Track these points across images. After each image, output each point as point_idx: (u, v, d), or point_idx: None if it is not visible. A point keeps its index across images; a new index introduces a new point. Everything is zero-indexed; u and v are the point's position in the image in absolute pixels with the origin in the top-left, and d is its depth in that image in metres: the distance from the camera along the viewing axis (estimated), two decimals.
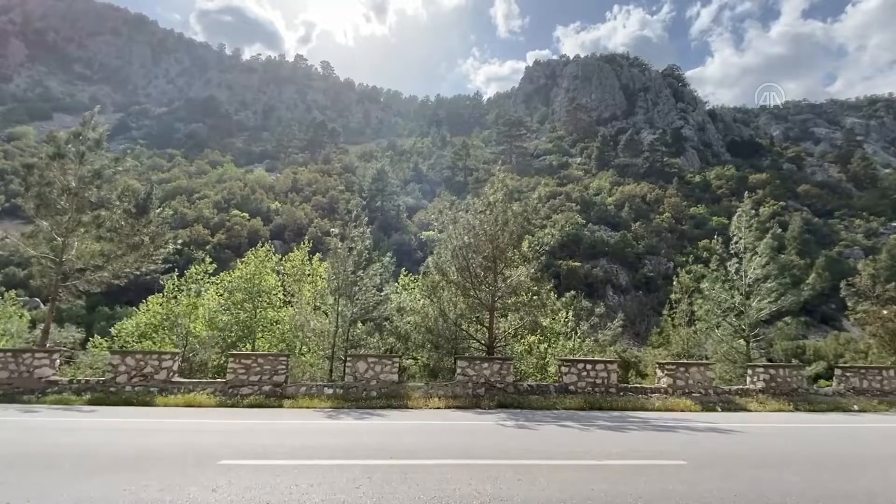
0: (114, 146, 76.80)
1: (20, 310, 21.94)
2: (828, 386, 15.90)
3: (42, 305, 36.09)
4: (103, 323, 31.07)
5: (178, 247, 16.83)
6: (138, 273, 15.13)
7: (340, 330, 15.08)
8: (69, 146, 14.07)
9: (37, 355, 11.80)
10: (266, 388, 11.96)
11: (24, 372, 11.57)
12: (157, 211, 16.04)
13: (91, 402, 10.79)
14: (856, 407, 12.90)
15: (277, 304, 19.59)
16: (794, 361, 25.94)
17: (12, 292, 22.64)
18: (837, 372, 14.59)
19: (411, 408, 11.17)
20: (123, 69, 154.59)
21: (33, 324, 23.70)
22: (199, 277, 19.37)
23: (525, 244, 14.85)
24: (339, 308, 15.09)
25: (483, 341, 14.95)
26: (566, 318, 21.09)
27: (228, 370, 12.14)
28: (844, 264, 57.33)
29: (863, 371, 14.46)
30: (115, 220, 14.58)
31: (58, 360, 12.47)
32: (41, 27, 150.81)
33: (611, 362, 13.60)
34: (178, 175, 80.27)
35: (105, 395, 11.26)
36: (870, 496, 4.77)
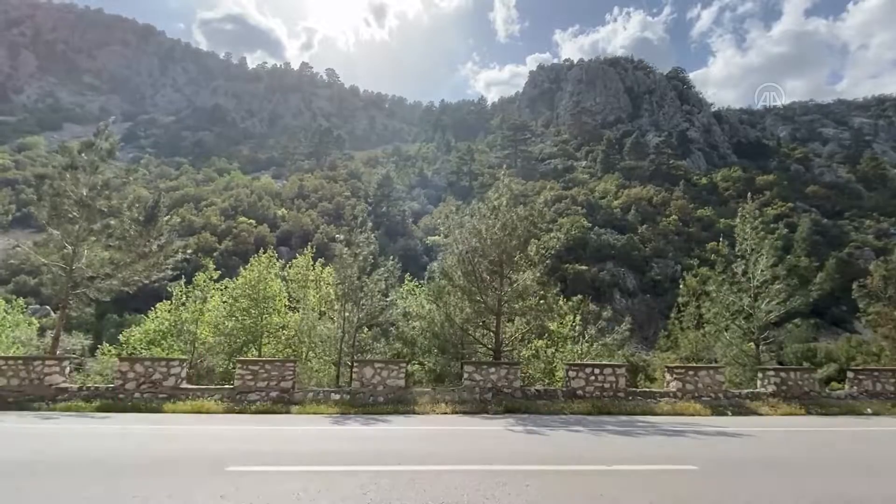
0: (122, 155, 77.65)
1: (28, 317, 22.16)
2: (840, 389, 15.68)
3: (52, 313, 36.47)
4: (112, 330, 31.32)
5: (187, 256, 16.94)
6: (147, 281, 15.25)
7: (347, 335, 15.09)
8: (82, 155, 14.27)
9: (47, 363, 11.90)
10: (273, 394, 11.98)
11: (34, 379, 11.66)
12: (166, 219, 16.16)
13: (100, 409, 10.86)
14: (869, 410, 12.70)
15: (282, 309, 19.65)
16: (806, 364, 25.61)
17: (20, 300, 22.86)
18: (850, 375, 14.39)
19: (418, 413, 11.14)
20: (132, 79, 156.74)
21: (42, 331, 23.93)
22: (205, 285, 19.48)
23: (531, 248, 14.81)
24: (346, 313, 15.11)
25: (490, 346, 14.89)
26: (573, 322, 20.99)
27: (236, 376, 12.18)
28: (855, 266, 56.69)
29: (876, 374, 14.24)
30: (124, 229, 14.72)
31: (68, 368, 12.56)
32: (51, 39, 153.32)
33: (619, 366, 13.49)
34: (186, 183, 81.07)
35: (114, 402, 11.33)
36: (886, 501, 4.69)
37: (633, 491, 4.71)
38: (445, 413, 11.14)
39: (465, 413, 11.21)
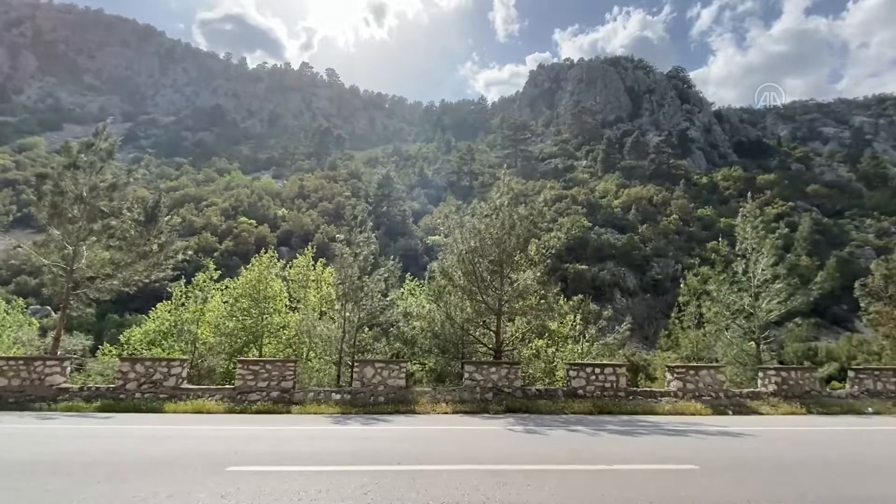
0: (123, 155, 77.55)
1: (29, 318, 22.18)
2: (841, 388, 15.66)
3: (53, 313, 36.50)
4: (113, 330, 31.34)
5: (187, 256, 16.95)
6: (147, 281, 15.25)
7: (347, 335, 15.08)
8: (81, 156, 14.26)
9: (48, 363, 11.91)
10: (274, 394, 11.98)
11: (35, 380, 11.68)
12: (166, 219, 16.17)
13: (101, 410, 10.86)
14: (870, 409, 12.70)
15: (283, 309, 19.66)
16: (806, 363, 25.60)
17: (21, 300, 22.87)
18: (851, 374, 14.38)
19: (419, 413, 11.14)
20: (132, 79, 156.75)
21: (44, 331, 23.94)
22: (205, 285, 19.50)
23: (532, 248, 14.80)
24: (346, 313, 15.11)
25: (490, 345, 14.89)
26: (574, 321, 21.01)
27: (237, 376, 12.19)
28: (856, 265, 56.69)
29: (877, 373, 14.23)
30: (124, 229, 14.72)
31: (69, 368, 12.57)
32: (51, 39, 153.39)
33: (619, 366, 13.49)
34: (186, 183, 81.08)
35: (115, 402, 11.33)
36: (886, 501, 4.68)
37: (634, 490, 4.71)
38: (446, 413, 11.14)
39: (465, 413, 11.21)
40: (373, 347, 16.90)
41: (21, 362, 11.82)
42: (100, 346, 21.04)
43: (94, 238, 14.34)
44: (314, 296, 19.89)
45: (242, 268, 21.60)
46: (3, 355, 13.25)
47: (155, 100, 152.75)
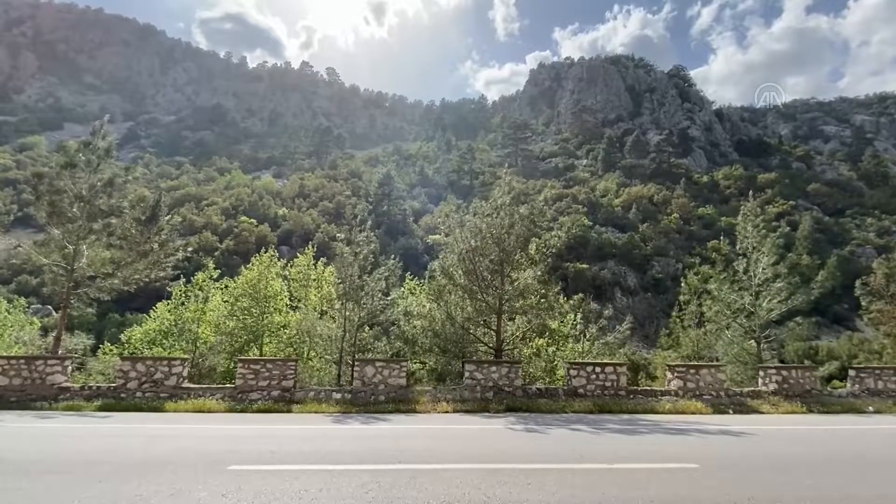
0: (123, 155, 77.68)
1: (30, 317, 22.21)
2: (841, 387, 15.65)
3: (54, 313, 36.53)
4: (114, 330, 31.34)
5: (188, 254, 16.94)
6: (148, 280, 15.26)
7: (348, 334, 15.09)
8: (79, 155, 14.27)
9: (49, 362, 11.92)
10: (275, 393, 11.99)
11: (36, 379, 11.69)
12: (167, 218, 16.17)
13: (101, 409, 10.88)
14: (871, 408, 12.69)
15: (283, 308, 19.67)
16: (807, 362, 25.57)
17: (22, 299, 22.89)
18: (851, 373, 14.37)
19: (419, 412, 11.14)
20: (132, 79, 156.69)
21: (45, 331, 23.97)
22: (205, 284, 19.49)
23: (532, 247, 14.79)
24: (347, 312, 15.12)
25: (491, 345, 14.89)
26: (574, 320, 20.99)
27: (237, 375, 12.20)
28: (856, 263, 56.65)
29: (878, 372, 14.22)
30: (125, 228, 14.73)
31: (70, 367, 12.58)
32: (52, 39, 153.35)
33: (620, 365, 13.49)
34: (187, 182, 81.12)
35: (115, 401, 11.35)
36: (886, 500, 4.68)
37: (635, 489, 4.71)
38: (446, 412, 11.14)
39: (466, 412, 11.22)
40: (373, 346, 16.90)
41: (22, 361, 11.84)
42: (101, 346, 21.04)
43: (94, 237, 14.35)
44: (315, 295, 19.90)
45: (243, 267, 21.60)
46: (5, 354, 13.27)
47: (155, 99, 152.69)
